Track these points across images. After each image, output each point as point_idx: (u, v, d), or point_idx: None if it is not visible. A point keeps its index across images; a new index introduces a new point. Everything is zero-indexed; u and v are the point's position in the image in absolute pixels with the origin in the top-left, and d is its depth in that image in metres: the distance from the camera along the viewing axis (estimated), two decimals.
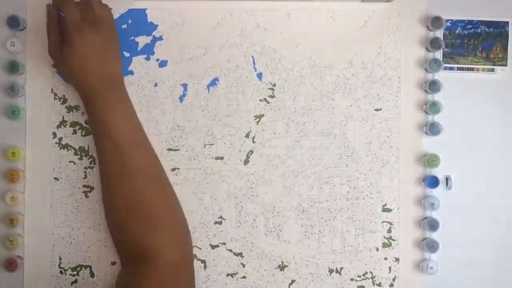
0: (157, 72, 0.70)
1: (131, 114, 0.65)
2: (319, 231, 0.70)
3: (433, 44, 0.69)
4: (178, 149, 0.70)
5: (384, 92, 0.71)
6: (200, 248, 0.70)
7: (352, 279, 0.70)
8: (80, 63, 0.62)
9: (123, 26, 0.70)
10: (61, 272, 0.70)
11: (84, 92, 0.64)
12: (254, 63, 0.71)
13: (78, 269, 0.70)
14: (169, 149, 0.70)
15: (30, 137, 0.70)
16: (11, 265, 0.68)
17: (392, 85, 0.71)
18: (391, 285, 0.71)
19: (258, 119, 0.71)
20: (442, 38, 0.70)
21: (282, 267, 0.71)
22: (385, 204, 0.71)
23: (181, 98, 0.71)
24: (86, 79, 0.63)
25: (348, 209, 0.71)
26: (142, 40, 0.70)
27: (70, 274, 0.70)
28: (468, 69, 0.71)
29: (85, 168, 0.70)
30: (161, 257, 0.61)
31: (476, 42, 0.71)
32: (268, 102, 0.71)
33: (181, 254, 0.64)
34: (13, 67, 0.68)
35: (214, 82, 0.71)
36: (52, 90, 0.70)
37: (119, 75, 0.66)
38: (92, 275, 0.70)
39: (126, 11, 0.70)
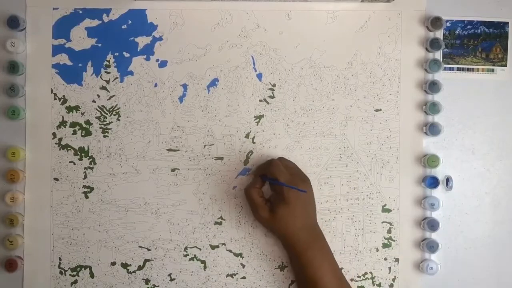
0: (157, 73, 0.70)
1: (335, 266, 0.66)
2: None
3: (433, 44, 0.69)
4: (178, 150, 0.70)
5: (384, 93, 0.71)
6: (200, 249, 0.70)
7: (352, 280, 0.70)
8: (294, 219, 0.64)
9: (123, 27, 0.70)
10: (61, 273, 0.70)
11: (293, 245, 0.65)
12: (254, 64, 0.71)
13: (78, 269, 0.70)
14: (169, 150, 0.70)
15: (30, 137, 0.70)
16: (11, 265, 0.68)
17: (392, 85, 0.71)
18: (391, 285, 0.71)
19: (258, 120, 0.71)
20: (442, 39, 0.70)
21: (282, 268, 0.71)
22: (385, 205, 0.71)
23: (181, 99, 0.71)
24: (296, 233, 0.65)
25: (348, 209, 0.71)
26: (142, 41, 0.70)
27: (70, 275, 0.70)
28: (468, 69, 0.71)
29: (85, 168, 0.70)
30: None
31: (476, 42, 0.71)
32: (268, 103, 0.71)
33: None
34: (13, 67, 0.68)
35: (214, 83, 0.71)
36: (52, 90, 0.70)
37: (318, 227, 0.67)
38: (92, 275, 0.70)
39: (126, 11, 0.70)
